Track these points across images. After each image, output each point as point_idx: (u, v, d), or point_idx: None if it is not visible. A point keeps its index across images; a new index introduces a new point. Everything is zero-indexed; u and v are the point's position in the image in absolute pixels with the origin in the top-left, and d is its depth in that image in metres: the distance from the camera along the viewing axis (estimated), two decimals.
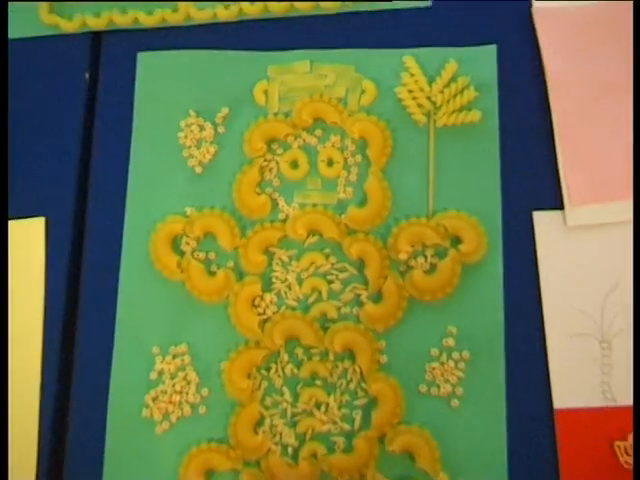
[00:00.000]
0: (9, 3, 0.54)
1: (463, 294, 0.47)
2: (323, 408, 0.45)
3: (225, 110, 0.51)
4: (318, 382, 0.46)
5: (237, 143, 0.50)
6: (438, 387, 0.45)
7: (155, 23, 0.53)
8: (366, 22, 0.53)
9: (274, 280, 0.48)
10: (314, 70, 0.51)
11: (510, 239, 0.47)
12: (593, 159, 0.48)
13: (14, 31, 0.54)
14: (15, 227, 0.49)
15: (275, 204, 0.49)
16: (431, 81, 0.50)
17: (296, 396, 0.46)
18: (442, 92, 0.49)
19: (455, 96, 0.49)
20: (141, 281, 0.48)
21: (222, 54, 0.53)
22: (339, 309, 0.47)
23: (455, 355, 0.46)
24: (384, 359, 0.46)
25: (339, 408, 0.45)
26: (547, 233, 0.47)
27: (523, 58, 0.51)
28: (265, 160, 0.50)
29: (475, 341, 0.46)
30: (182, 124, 0.51)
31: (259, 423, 0.45)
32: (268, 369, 0.46)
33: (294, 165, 0.50)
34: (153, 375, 0.47)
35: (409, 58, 0.51)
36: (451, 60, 0.50)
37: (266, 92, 0.51)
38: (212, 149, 0.50)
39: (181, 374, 0.47)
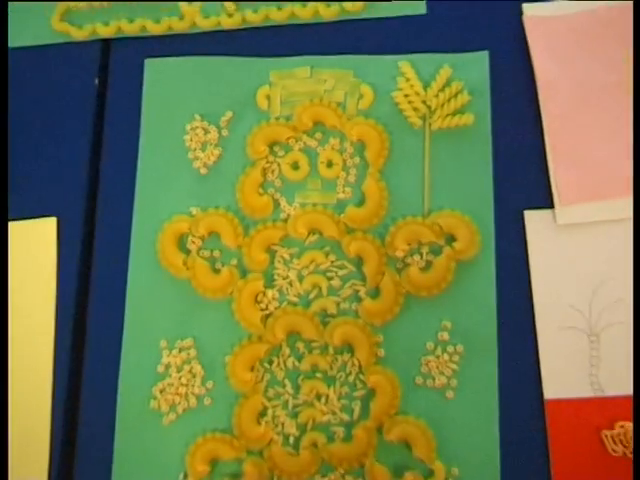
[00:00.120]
0: (19, 12, 0.55)
1: (457, 290, 0.47)
2: (323, 399, 0.45)
3: (229, 114, 0.51)
4: (318, 374, 0.46)
5: (240, 146, 0.50)
6: (433, 379, 0.45)
7: (162, 31, 0.53)
8: (364, 29, 0.53)
9: (276, 277, 0.48)
10: (314, 75, 0.51)
11: (502, 237, 0.47)
12: (582, 160, 0.48)
13: (27, 39, 0.55)
14: (27, 227, 0.50)
15: (277, 204, 0.49)
16: (426, 86, 0.50)
17: (297, 388, 0.46)
18: (437, 96, 0.49)
19: (449, 100, 0.49)
20: (149, 278, 0.49)
21: (226, 60, 0.53)
22: (338, 304, 0.47)
23: (450, 348, 0.46)
24: (382, 352, 0.46)
25: (339, 399, 0.45)
26: (538, 231, 0.47)
27: (514, 63, 0.51)
28: (267, 162, 0.50)
29: (469, 335, 0.46)
30: (188, 127, 0.51)
31: (262, 414, 0.46)
32: (270, 362, 0.46)
33: (295, 167, 0.50)
34: (160, 368, 0.47)
35: (405, 64, 0.51)
36: (445, 65, 0.50)
37: (268, 97, 0.51)
38: (216, 151, 0.50)
39: (187, 367, 0.47)
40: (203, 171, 0.50)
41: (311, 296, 0.47)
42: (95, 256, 0.50)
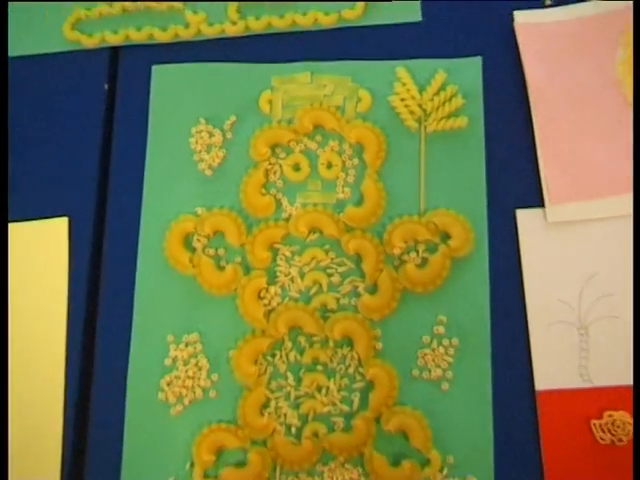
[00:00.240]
0: (33, 21, 0.55)
1: (452, 286, 0.47)
2: (324, 391, 0.46)
3: (233, 118, 0.51)
4: (319, 367, 0.46)
5: (244, 148, 0.50)
6: (429, 371, 0.45)
7: (168, 38, 0.54)
8: (361, 36, 0.53)
9: (278, 274, 0.48)
10: (314, 80, 0.51)
11: (495, 235, 0.48)
12: (571, 161, 0.48)
13: (40, 47, 0.55)
14: (40, 226, 0.50)
15: (279, 204, 0.49)
16: (422, 90, 0.50)
17: (299, 380, 0.46)
18: (432, 100, 0.49)
19: (444, 104, 0.49)
20: (156, 275, 0.49)
21: (230, 66, 0.53)
22: (338, 300, 0.47)
23: (445, 342, 0.46)
24: (380, 346, 0.46)
25: (339, 391, 0.46)
26: (529, 229, 0.47)
27: (506, 68, 0.51)
28: (269, 163, 0.50)
29: (463, 329, 0.46)
30: (193, 131, 0.51)
31: (265, 405, 0.46)
32: (273, 356, 0.47)
33: (296, 168, 0.50)
34: (168, 362, 0.47)
35: (401, 69, 0.51)
36: (440, 71, 0.50)
37: (270, 101, 0.51)
38: (221, 154, 0.50)
39: (193, 361, 0.47)
40: (208, 173, 0.50)
41: (312, 292, 0.47)
42: (105, 254, 0.50)
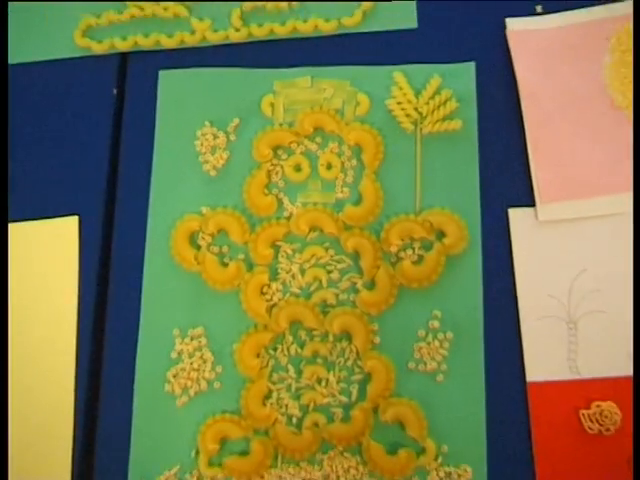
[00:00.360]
0: (45, 29, 0.55)
1: (447, 282, 0.47)
2: (324, 383, 0.46)
3: (236, 120, 0.51)
4: (319, 360, 0.46)
5: (247, 150, 0.50)
6: (425, 364, 0.46)
7: (175, 45, 0.54)
8: (360, 42, 0.53)
9: (280, 270, 0.48)
10: (314, 85, 0.51)
11: (488, 233, 0.48)
12: (561, 162, 0.48)
13: (51, 53, 0.55)
14: (51, 225, 0.50)
15: (280, 203, 0.49)
16: (418, 94, 0.50)
17: (300, 373, 0.46)
18: (427, 104, 0.49)
19: (439, 107, 0.49)
20: (163, 272, 0.49)
21: (233, 71, 0.53)
22: (337, 296, 0.47)
23: (440, 336, 0.46)
24: (377, 340, 0.46)
25: (338, 383, 0.46)
26: (521, 227, 0.47)
27: (498, 73, 0.51)
28: (272, 164, 0.50)
29: (457, 323, 0.46)
30: (198, 133, 0.51)
31: (267, 396, 0.46)
32: (275, 349, 0.47)
33: (297, 169, 0.50)
34: (174, 355, 0.47)
35: (398, 74, 0.51)
36: (435, 75, 0.50)
37: (272, 104, 0.51)
38: (225, 155, 0.51)
39: (198, 354, 0.47)
40: (212, 173, 0.50)
41: (312, 288, 0.47)
42: (113, 252, 0.50)
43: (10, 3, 0.56)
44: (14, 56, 0.55)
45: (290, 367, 0.46)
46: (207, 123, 0.51)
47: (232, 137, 0.51)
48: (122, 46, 0.54)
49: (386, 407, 0.45)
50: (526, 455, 0.44)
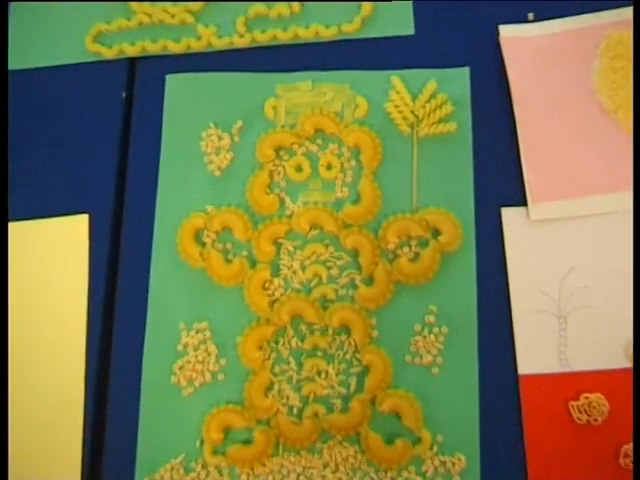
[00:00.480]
0: (57, 35, 0.55)
1: (442, 278, 0.47)
2: (323, 375, 0.46)
3: (240, 123, 0.51)
4: (319, 353, 0.47)
5: (250, 151, 0.51)
6: (421, 357, 0.46)
7: (181, 50, 0.54)
8: (359, 48, 0.53)
9: (281, 267, 0.48)
10: (315, 88, 0.52)
11: (482, 231, 0.48)
12: (552, 163, 0.48)
13: (63, 58, 0.55)
14: (63, 222, 0.50)
15: (282, 202, 0.49)
16: (414, 98, 0.50)
17: (300, 365, 0.46)
18: (424, 107, 0.50)
19: (434, 110, 0.49)
20: (169, 268, 0.49)
21: (237, 75, 0.53)
22: (337, 291, 0.47)
23: (435, 330, 0.46)
24: (375, 333, 0.46)
25: (337, 375, 0.46)
26: (513, 226, 0.48)
27: (492, 78, 0.51)
28: (274, 165, 0.50)
29: (452, 318, 0.46)
30: (203, 134, 0.51)
31: (269, 388, 0.46)
32: (277, 342, 0.47)
33: (298, 169, 0.50)
34: (179, 347, 0.47)
35: (395, 78, 0.51)
36: (431, 80, 0.50)
37: (274, 107, 0.51)
38: (229, 156, 0.51)
39: (203, 347, 0.47)
40: (217, 173, 0.51)
41: (312, 284, 0.48)
42: (122, 248, 0.50)
43: (25, 11, 0.56)
44: (29, 61, 0.55)
45: (291, 359, 0.46)
46: (212, 125, 0.52)
47: (236, 138, 0.51)
48: (131, 51, 0.54)
49: (383, 398, 0.45)
50: (518, 444, 0.44)
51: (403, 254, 0.47)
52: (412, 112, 0.50)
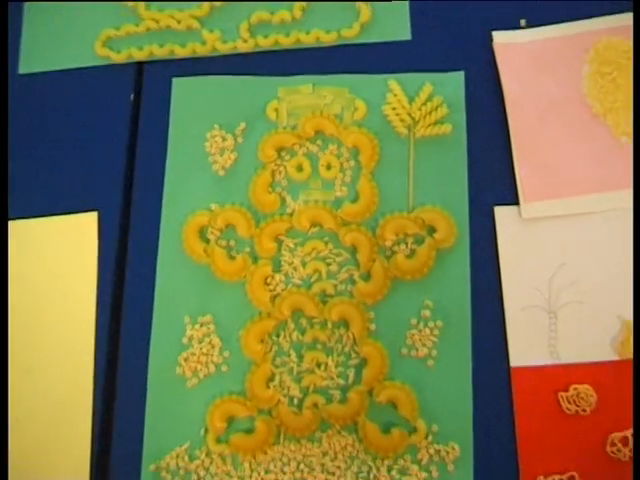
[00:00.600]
0: (68, 39, 0.56)
1: (437, 274, 0.47)
2: (323, 367, 0.46)
3: (243, 124, 0.52)
4: (319, 346, 0.47)
5: (253, 151, 0.51)
6: (417, 350, 0.46)
7: (187, 54, 0.54)
8: (358, 52, 0.53)
9: (283, 263, 0.48)
10: (316, 91, 0.52)
11: (476, 229, 0.48)
12: (543, 164, 0.48)
13: (74, 62, 0.55)
14: (72, 220, 0.51)
15: (283, 201, 0.50)
16: (411, 100, 0.50)
17: (301, 357, 0.47)
18: (420, 109, 0.50)
19: (430, 113, 0.50)
20: (175, 264, 0.49)
21: (241, 79, 0.53)
22: (336, 286, 0.48)
23: (430, 324, 0.46)
24: (373, 327, 0.47)
25: (336, 367, 0.46)
26: (506, 224, 0.48)
27: (486, 82, 0.51)
28: (275, 165, 0.50)
29: (447, 312, 0.47)
30: (208, 136, 0.51)
31: (270, 379, 0.46)
32: (278, 335, 0.47)
33: (299, 169, 0.50)
34: (185, 340, 0.48)
35: (393, 82, 0.51)
36: (427, 83, 0.51)
37: (276, 109, 0.52)
38: (232, 156, 0.51)
39: (207, 339, 0.47)
40: (221, 173, 0.51)
41: (312, 279, 0.48)
42: (130, 245, 0.50)
43: (37, 18, 0.57)
44: (41, 65, 0.55)
45: (292, 352, 0.47)
46: (216, 126, 0.52)
47: (239, 139, 0.51)
48: (139, 55, 0.54)
49: (380, 390, 0.45)
50: (509, 434, 0.45)
51: (400, 251, 0.48)
52: (409, 114, 0.50)
